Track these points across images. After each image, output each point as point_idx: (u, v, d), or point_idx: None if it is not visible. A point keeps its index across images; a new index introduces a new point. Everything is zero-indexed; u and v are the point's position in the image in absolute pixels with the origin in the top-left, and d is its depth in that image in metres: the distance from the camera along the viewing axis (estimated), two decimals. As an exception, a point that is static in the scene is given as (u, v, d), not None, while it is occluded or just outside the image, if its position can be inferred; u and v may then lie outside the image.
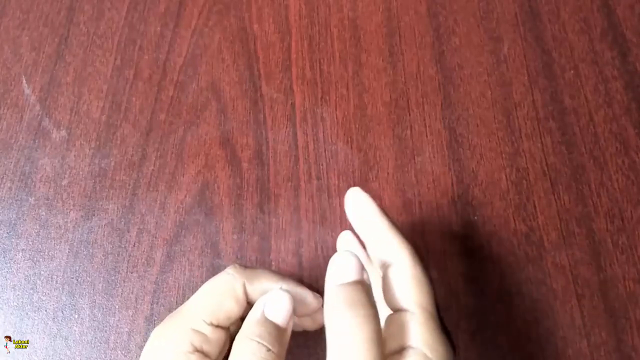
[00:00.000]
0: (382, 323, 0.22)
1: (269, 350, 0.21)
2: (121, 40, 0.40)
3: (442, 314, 0.31)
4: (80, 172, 0.36)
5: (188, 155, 0.36)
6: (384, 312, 0.22)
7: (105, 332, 0.31)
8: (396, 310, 0.21)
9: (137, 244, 0.33)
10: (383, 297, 0.22)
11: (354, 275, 0.20)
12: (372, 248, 0.24)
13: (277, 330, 0.23)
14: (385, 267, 0.23)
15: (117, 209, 0.34)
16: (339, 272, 0.20)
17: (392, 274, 0.22)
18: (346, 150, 0.35)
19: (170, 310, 0.32)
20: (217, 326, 0.24)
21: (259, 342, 0.21)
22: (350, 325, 0.19)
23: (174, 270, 0.33)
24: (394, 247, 0.23)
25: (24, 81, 0.39)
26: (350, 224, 0.26)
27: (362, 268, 0.20)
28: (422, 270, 0.22)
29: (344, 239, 0.30)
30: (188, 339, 0.23)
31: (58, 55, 0.40)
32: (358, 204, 0.25)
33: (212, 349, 0.23)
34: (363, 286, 0.20)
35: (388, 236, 0.23)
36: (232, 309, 0.24)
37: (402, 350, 0.20)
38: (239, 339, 0.22)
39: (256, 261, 0.32)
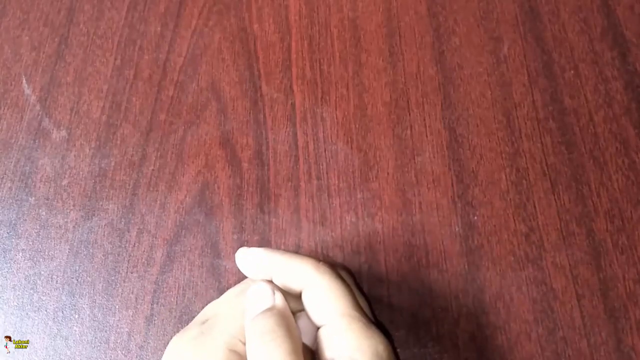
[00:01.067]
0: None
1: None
2: (121, 40, 0.40)
3: (442, 313, 0.31)
4: (81, 172, 0.36)
5: (188, 155, 0.36)
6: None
7: (106, 332, 0.31)
8: (323, 324, 0.22)
9: (137, 244, 0.33)
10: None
11: (265, 304, 0.21)
12: (282, 283, 0.24)
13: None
14: (302, 293, 0.23)
15: (117, 209, 0.34)
16: (251, 305, 0.21)
17: (306, 295, 0.22)
18: (346, 150, 0.35)
19: (170, 311, 0.32)
20: None
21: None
22: (266, 351, 0.19)
23: (174, 270, 0.33)
24: (295, 272, 0.23)
25: (24, 81, 0.39)
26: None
27: (273, 292, 0.21)
28: (331, 278, 0.22)
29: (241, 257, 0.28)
30: None
31: (58, 55, 0.40)
32: (247, 257, 0.24)
33: None
34: (273, 311, 0.20)
35: (285, 265, 0.23)
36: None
37: None
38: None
39: (256, 261, 0.32)
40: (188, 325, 0.24)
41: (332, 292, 0.22)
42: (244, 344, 0.22)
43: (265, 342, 0.19)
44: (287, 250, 0.24)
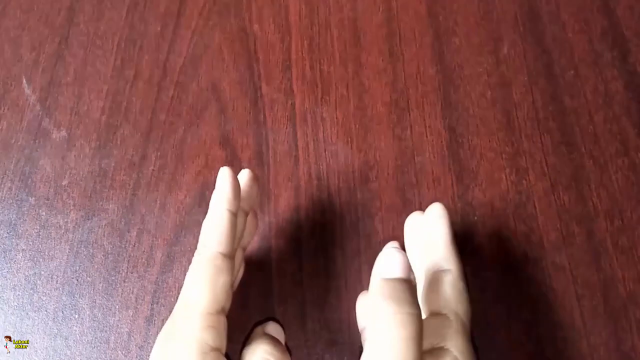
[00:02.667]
0: None
1: None
2: (121, 40, 0.40)
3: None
4: (81, 173, 0.36)
5: (188, 156, 0.36)
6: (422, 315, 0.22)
7: (106, 332, 0.31)
8: (435, 313, 0.22)
9: (137, 244, 0.33)
10: (423, 299, 0.23)
11: (400, 272, 0.20)
12: (423, 252, 0.25)
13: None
14: (433, 272, 0.24)
15: (117, 209, 0.34)
16: (387, 266, 0.20)
17: (441, 279, 0.23)
18: (346, 150, 0.35)
19: (170, 311, 0.32)
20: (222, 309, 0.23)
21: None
22: (395, 321, 0.18)
23: (174, 271, 0.33)
24: (450, 259, 0.24)
25: (24, 81, 0.39)
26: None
27: (409, 268, 0.20)
28: (464, 286, 0.23)
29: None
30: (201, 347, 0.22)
31: (58, 55, 0.40)
32: (437, 216, 0.26)
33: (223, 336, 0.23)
34: (409, 284, 0.20)
35: (449, 248, 0.24)
36: (227, 283, 0.23)
37: (434, 350, 0.20)
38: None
39: (256, 261, 0.32)
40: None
41: (462, 296, 0.23)
42: (216, 314, 0.22)
43: (396, 313, 0.18)
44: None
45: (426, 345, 0.20)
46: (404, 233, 0.29)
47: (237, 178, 0.25)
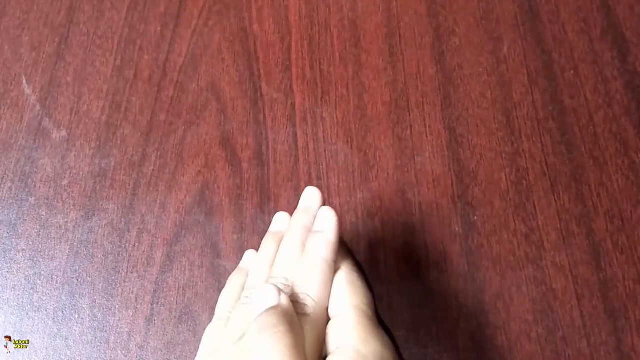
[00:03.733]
0: None
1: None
2: (121, 40, 0.40)
3: (442, 313, 0.31)
4: (81, 172, 0.36)
5: (188, 156, 0.36)
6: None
7: (106, 332, 0.31)
8: (334, 315, 0.22)
9: (137, 244, 0.33)
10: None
11: (270, 303, 0.21)
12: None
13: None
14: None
15: (118, 209, 0.34)
16: (257, 305, 0.21)
17: (335, 281, 0.23)
18: (346, 150, 0.35)
19: (170, 311, 0.32)
20: None
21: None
22: (267, 344, 0.19)
23: (174, 270, 0.33)
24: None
25: (24, 81, 0.39)
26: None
27: (279, 293, 0.21)
28: (357, 275, 0.23)
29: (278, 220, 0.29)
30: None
31: (58, 55, 0.40)
32: (322, 219, 0.25)
33: None
34: (276, 309, 0.20)
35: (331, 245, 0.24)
36: None
37: (336, 350, 0.20)
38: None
39: (256, 261, 0.33)
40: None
41: (353, 286, 0.23)
42: None
43: (267, 336, 0.19)
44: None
45: (331, 348, 0.21)
46: None
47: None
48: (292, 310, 0.21)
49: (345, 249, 0.25)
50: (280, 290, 0.21)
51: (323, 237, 0.24)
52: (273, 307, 0.21)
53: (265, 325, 0.20)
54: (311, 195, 0.26)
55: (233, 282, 0.26)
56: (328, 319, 0.22)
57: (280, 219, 0.28)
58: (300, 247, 0.24)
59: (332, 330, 0.22)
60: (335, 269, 0.23)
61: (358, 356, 0.20)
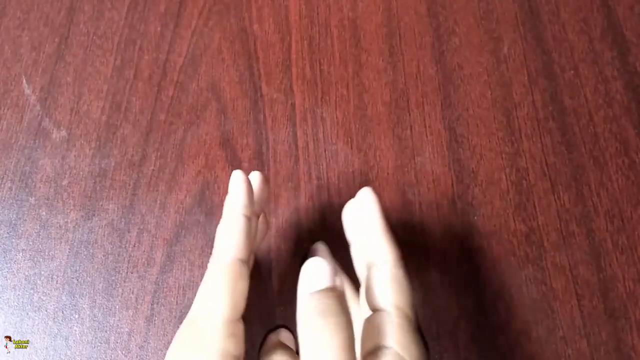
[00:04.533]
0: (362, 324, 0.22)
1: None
2: (121, 40, 0.40)
3: (442, 313, 0.31)
4: (81, 172, 0.36)
5: (188, 156, 0.36)
6: (366, 313, 0.22)
7: (106, 332, 0.31)
8: (374, 310, 0.22)
9: (137, 244, 0.33)
10: (365, 296, 0.22)
11: (326, 282, 0.20)
12: (361, 246, 0.24)
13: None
14: (369, 267, 0.23)
15: (118, 209, 0.34)
16: (311, 279, 0.20)
17: (374, 275, 0.22)
18: (346, 150, 0.35)
19: (170, 311, 0.32)
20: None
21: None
22: (322, 334, 0.19)
23: (174, 271, 0.33)
24: (381, 248, 0.23)
25: (24, 81, 0.39)
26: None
27: (335, 274, 0.20)
28: (403, 274, 0.23)
29: (318, 249, 0.30)
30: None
31: (58, 55, 0.40)
32: (365, 203, 0.25)
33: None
34: (335, 293, 0.20)
35: (380, 237, 0.24)
36: (245, 289, 0.22)
37: (375, 350, 0.20)
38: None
39: (256, 261, 0.32)
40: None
41: (399, 285, 0.22)
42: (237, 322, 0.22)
43: (324, 325, 0.18)
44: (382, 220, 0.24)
45: (369, 345, 0.20)
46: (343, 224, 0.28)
47: (250, 182, 0.25)
48: (345, 296, 0.20)
49: (391, 242, 0.24)
50: (336, 270, 0.20)
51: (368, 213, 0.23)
52: (332, 289, 0.20)
53: (326, 308, 0.19)
54: (236, 182, 0.24)
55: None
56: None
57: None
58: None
59: (370, 326, 0.21)
60: (378, 261, 0.23)
61: None
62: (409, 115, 0.36)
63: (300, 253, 0.33)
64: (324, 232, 0.33)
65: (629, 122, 0.34)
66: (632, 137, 0.34)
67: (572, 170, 0.33)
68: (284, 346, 0.24)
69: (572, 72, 0.36)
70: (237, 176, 0.24)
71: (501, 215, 0.33)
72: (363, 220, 0.25)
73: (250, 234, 0.24)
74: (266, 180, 0.27)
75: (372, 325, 0.21)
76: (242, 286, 0.22)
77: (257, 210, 0.27)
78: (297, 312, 0.21)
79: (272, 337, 0.26)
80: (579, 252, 0.31)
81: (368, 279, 0.23)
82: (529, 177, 0.33)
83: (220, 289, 0.22)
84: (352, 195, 0.34)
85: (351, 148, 0.35)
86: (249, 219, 0.24)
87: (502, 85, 0.36)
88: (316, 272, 0.21)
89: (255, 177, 0.27)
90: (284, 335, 0.27)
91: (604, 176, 0.33)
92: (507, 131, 0.35)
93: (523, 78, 0.36)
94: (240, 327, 0.22)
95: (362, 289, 0.24)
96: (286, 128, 0.36)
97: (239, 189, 0.24)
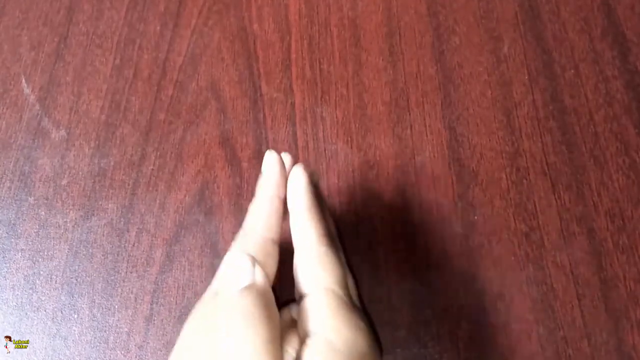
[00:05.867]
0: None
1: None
2: (121, 39, 0.40)
3: (442, 313, 0.31)
4: (80, 172, 0.36)
5: (188, 155, 0.36)
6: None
7: (105, 332, 0.31)
8: (304, 295, 0.21)
9: (136, 244, 0.33)
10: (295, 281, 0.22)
11: (244, 279, 0.20)
12: (292, 231, 0.23)
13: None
14: (295, 249, 0.22)
15: (117, 208, 0.34)
16: (229, 278, 0.20)
17: (298, 256, 0.22)
18: (346, 149, 0.35)
19: (170, 311, 0.32)
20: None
21: None
22: (242, 337, 0.18)
23: (173, 270, 0.33)
24: (303, 227, 0.22)
25: (24, 81, 0.39)
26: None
27: (253, 265, 0.20)
28: (327, 250, 0.21)
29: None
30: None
31: (57, 54, 0.40)
32: (292, 182, 0.24)
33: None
34: (251, 290, 0.19)
35: (301, 215, 0.23)
36: (275, 269, 0.22)
37: (305, 337, 0.19)
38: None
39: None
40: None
41: (322, 263, 0.21)
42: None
43: (243, 327, 0.18)
44: (312, 203, 0.23)
45: (301, 333, 0.20)
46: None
47: (282, 163, 0.24)
48: (267, 287, 0.20)
49: (313, 218, 0.23)
50: (254, 262, 0.20)
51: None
52: (249, 287, 0.19)
53: (241, 310, 0.19)
54: (270, 163, 0.24)
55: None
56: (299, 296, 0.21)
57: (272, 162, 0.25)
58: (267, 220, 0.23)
59: (302, 312, 0.20)
60: (302, 242, 0.22)
61: (329, 347, 0.18)
62: (409, 114, 0.36)
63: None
64: (324, 231, 0.33)
65: (630, 122, 0.34)
66: (632, 137, 0.34)
67: (573, 170, 0.33)
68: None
69: (572, 71, 0.36)
70: (271, 157, 0.24)
71: (501, 215, 0.32)
72: (290, 199, 0.24)
73: (281, 215, 0.23)
74: (296, 163, 0.27)
75: (302, 311, 0.20)
76: (272, 264, 0.22)
77: (284, 196, 0.26)
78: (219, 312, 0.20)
79: (286, 314, 0.25)
80: (580, 252, 0.31)
81: (295, 261, 0.22)
82: (529, 176, 0.33)
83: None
84: (352, 195, 0.34)
85: (351, 147, 0.35)
86: (281, 200, 0.23)
87: (502, 85, 0.36)
88: (233, 269, 0.20)
89: (287, 159, 0.26)
90: (295, 311, 0.26)
91: (604, 175, 0.33)
92: (507, 130, 0.35)
93: (523, 77, 0.36)
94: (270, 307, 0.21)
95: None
96: (286, 127, 0.36)
97: (273, 169, 0.24)
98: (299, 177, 0.24)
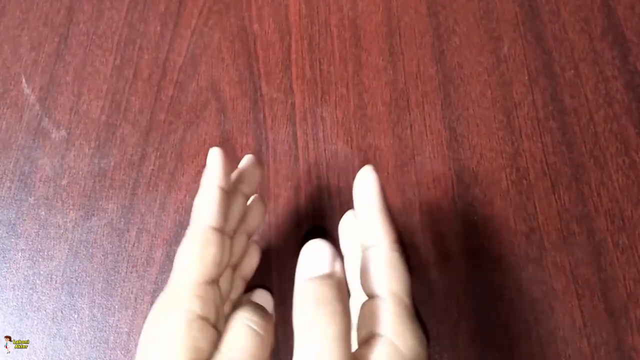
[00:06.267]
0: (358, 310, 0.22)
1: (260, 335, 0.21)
2: (121, 39, 0.40)
3: (442, 313, 0.31)
4: (80, 172, 0.36)
5: (188, 155, 0.36)
6: (362, 298, 0.22)
7: (105, 332, 0.31)
8: (370, 295, 0.21)
9: (136, 244, 0.33)
10: (361, 281, 0.22)
11: (324, 268, 0.20)
12: (361, 228, 0.23)
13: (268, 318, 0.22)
14: (364, 249, 0.22)
15: (117, 208, 0.34)
16: (309, 264, 0.20)
17: (370, 257, 0.22)
18: (346, 150, 0.35)
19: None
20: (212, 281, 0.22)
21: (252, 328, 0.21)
22: (317, 324, 0.18)
23: (173, 270, 0.33)
24: (377, 230, 0.22)
25: (24, 81, 0.39)
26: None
27: (335, 258, 0.20)
28: (399, 257, 0.22)
29: (346, 221, 0.29)
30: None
31: (58, 54, 0.40)
32: (363, 182, 0.24)
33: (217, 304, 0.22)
34: (332, 280, 0.19)
35: (376, 217, 0.23)
36: (217, 255, 0.22)
37: (369, 338, 0.19)
38: (233, 318, 0.22)
39: (256, 261, 0.32)
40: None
41: (394, 269, 0.21)
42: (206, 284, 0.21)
43: (321, 314, 0.18)
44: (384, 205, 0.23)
45: (363, 333, 0.20)
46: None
47: (227, 157, 0.25)
48: (345, 283, 0.20)
49: (386, 224, 0.23)
50: (335, 255, 0.20)
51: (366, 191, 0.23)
52: (329, 276, 0.19)
53: (322, 297, 0.19)
54: (213, 156, 0.24)
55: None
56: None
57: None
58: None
59: (364, 312, 0.20)
60: (372, 245, 0.22)
61: (394, 350, 0.19)
62: (409, 114, 0.36)
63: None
64: (324, 232, 0.33)
65: (630, 122, 0.34)
66: (632, 137, 0.34)
67: (573, 170, 0.33)
68: (253, 304, 0.24)
69: (572, 71, 0.36)
70: (213, 151, 0.24)
71: (501, 215, 0.33)
72: (361, 199, 0.24)
73: (225, 206, 0.24)
74: (257, 161, 0.27)
75: (367, 312, 0.20)
76: (213, 251, 0.22)
77: (246, 190, 0.27)
78: (294, 299, 0.20)
79: (245, 296, 0.25)
80: (580, 252, 0.31)
81: (363, 261, 0.22)
82: (529, 176, 0.33)
83: (189, 252, 0.22)
84: (352, 195, 0.34)
85: (351, 148, 0.35)
86: (224, 190, 0.24)
87: (502, 85, 0.36)
88: (315, 256, 0.20)
89: (246, 158, 0.27)
90: (258, 295, 0.26)
91: (604, 176, 0.33)
92: (507, 131, 0.35)
93: (523, 77, 0.36)
94: (210, 291, 0.22)
95: (357, 272, 0.23)
96: (286, 128, 0.36)
97: (215, 161, 0.24)
98: (370, 177, 0.23)
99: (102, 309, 0.32)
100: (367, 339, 0.19)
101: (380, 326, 0.19)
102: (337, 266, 0.20)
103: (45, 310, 0.32)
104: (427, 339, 0.21)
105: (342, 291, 0.19)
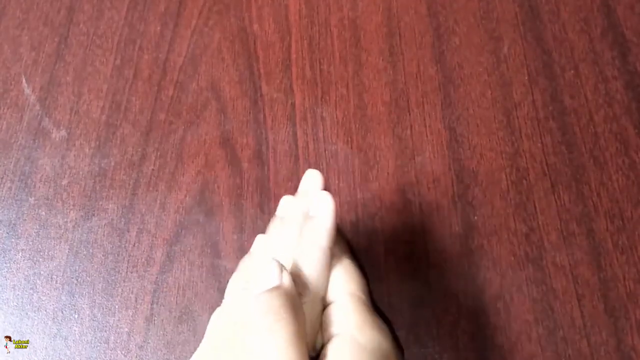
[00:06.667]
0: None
1: None
2: (121, 40, 0.40)
3: (442, 313, 0.31)
4: (80, 172, 0.36)
5: (188, 155, 0.36)
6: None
7: (105, 332, 0.31)
8: (330, 302, 0.22)
9: (137, 244, 0.33)
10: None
11: (272, 281, 0.20)
12: (305, 235, 0.24)
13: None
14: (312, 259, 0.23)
15: (117, 208, 0.34)
16: (256, 280, 0.21)
17: (328, 266, 0.23)
18: (346, 150, 0.35)
19: (170, 311, 0.32)
20: None
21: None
22: (269, 332, 0.19)
23: (173, 270, 0.33)
24: (329, 240, 0.23)
25: (24, 81, 0.39)
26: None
27: (282, 270, 0.21)
28: (350, 262, 0.24)
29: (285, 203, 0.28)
30: None
31: (58, 55, 0.40)
32: (321, 203, 0.24)
33: None
34: (279, 290, 0.20)
35: (325, 237, 0.24)
36: None
37: (331, 338, 0.20)
38: None
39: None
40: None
41: (347, 272, 0.23)
42: None
43: (269, 322, 0.19)
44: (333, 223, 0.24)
45: (327, 335, 0.21)
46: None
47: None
48: (294, 292, 0.20)
49: (340, 233, 0.25)
50: (283, 268, 0.21)
51: (319, 224, 0.23)
52: (276, 288, 0.20)
53: (268, 308, 0.19)
54: (311, 178, 0.25)
55: (243, 267, 0.26)
56: (324, 306, 0.22)
57: (286, 202, 0.27)
58: (298, 234, 0.24)
59: (328, 317, 0.22)
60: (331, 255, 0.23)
61: (355, 344, 0.20)
62: (409, 115, 0.36)
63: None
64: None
65: (629, 122, 0.34)
66: (632, 137, 0.34)
67: (572, 170, 0.33)
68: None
69: (572, 71, 0.36)
70: (325, 196, 0.24)
71: (501, 215, 0.33)
72: (316, 221, 0.24)
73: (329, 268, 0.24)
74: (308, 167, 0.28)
75: (328, 315, 0.22)
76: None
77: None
78: (241, 310, 0.21)
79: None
80: (579, 252, 0.31)
81: (319, 270, 0.23)
82: (529, 176, 0.33)
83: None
84: (352, 195, 0.34)
85: (351, 148, 0.35)
86: (331, 251, 0.24)
87: (502, 85, 0.36)
88: (262, 275, 0.21)
89: (317, 177, 0.26)
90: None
91: (604, 176, 0.33)
92: (507, 131, 0.35)
93: (523, 78, 0.36)
94: None
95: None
96: (286, 128, 0.36)
97: (328, 216, 0.24)
98: (326, 201, 0.24)
99: (103, 309, 0.32)
100: (330, 339, 0.21)
101: (338, 325, 0.21)
102: (285, 278, 0.21)
103: (45, 310, 0.32)
104: (394, 334, 0.22)
105: (290, 299, 0.20)
